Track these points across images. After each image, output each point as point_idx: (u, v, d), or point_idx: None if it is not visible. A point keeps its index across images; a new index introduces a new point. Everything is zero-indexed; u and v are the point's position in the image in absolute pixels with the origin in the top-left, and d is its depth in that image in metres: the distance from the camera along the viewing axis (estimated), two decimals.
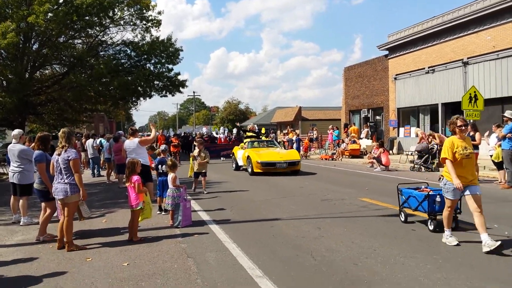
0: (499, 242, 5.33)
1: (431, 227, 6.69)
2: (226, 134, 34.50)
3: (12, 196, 8.28)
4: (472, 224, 6.89)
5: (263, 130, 30.85)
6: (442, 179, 6.18)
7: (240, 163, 17.37)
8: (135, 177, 6.65)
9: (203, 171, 11.51)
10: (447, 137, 18.82)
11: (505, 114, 12.42)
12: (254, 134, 20.66)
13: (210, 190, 11.87)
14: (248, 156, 16.07)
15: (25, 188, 8.05)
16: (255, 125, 24.69)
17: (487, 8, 18.43)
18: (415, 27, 23.56)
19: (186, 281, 4.72)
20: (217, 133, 37.59)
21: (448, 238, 5.97)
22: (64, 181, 6.05)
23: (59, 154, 6.13)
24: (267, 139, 23.16)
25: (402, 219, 7.36)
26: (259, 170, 15.32)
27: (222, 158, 24.57)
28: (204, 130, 43.57)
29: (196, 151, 11.76)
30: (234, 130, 39.05)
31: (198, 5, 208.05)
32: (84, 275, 5.03)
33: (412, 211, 7.17)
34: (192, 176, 11.90)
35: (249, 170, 15.85)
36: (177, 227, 7.34)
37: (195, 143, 13.83)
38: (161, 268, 5.19)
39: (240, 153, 17.66)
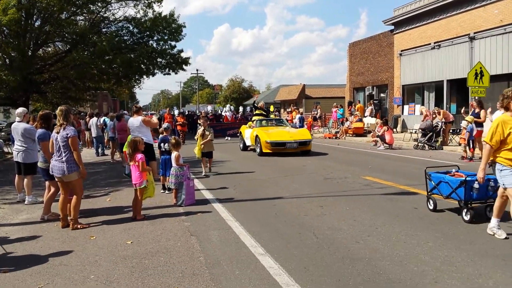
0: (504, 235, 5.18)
1: (466, 218, 5.89)
2: (232, 112, 32.72)
3: (16, 175, 8.34)
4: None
5: (271, 108, 29.86)
6: (495, 165, 5.23)
7: (248, 143, 16.69)
8: (139, 156, 6.66)
9: (209, 151, 11.02)
10: (452, 114, 18.71)
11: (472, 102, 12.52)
12: (263, 112, 19.02)
13: (214, 169, 11.89)
14: (257, 136, 15.34)
15: (29, 167, 8.10)
16: (264, 103, 22.56)
17: None
18: (421, 1, 23.12)
19: (189, 259, 4.77)
20: (222, 111, 35.50)
21: (497, 230, 5.26)
22: (62, 159, 6.07)
23: (58, 132, 6.14)
24: (276, 117, 22.39)
25: (431, 207, 6.58)
26: (268, 151, 14.64)
27: (227, 138, 23.93)
28: (209, 108, 41.58)
29: (200, 130, 11.23)
30: (241, 108, 37.20)
31: None
32: (88, 253, 5.09)
33: (444, 198, 6.41)
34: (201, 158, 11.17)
35: (258, 150, 15.19)
36: (180, 205, 7.38)
37: (199, 121, 12.82)
38: (164, 246, 5.24)
39: (248, 133, 16.82)
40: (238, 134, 18.62)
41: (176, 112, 33.99)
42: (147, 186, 6.71)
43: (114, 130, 14.95)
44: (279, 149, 14.64)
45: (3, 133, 24.07)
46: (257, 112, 18.95)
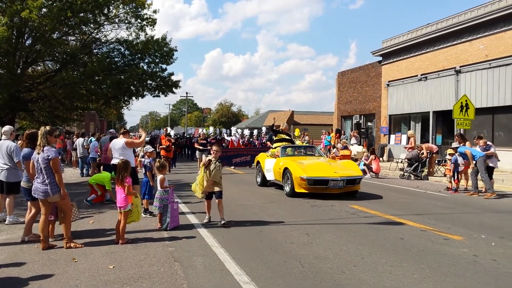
0: None
1: None
2: (238, 136, 26.85)
3: None
4: (464, 229, 6.95)
5: (296, 132, 25.02)
6: None
7: (270, 176, 12.98)
8: (128, 179, 6.59)
9: (217, 189, 7.86)
10: (437, 145, 18.96)
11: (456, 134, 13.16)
12: (287, 137, 14.83)
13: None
14: (286, 169, 11.53)
15: (12, 186, 7.94)
16: (287, 125, 17.70)
17: (481, 16, 18.61)
18: (409, 34, 23.72)
19: (172, 286, 4.67)
20: (227, 134, 29.24)
21: None
22: (44, 181, 5.99)
23: (38, 153, 6.07)
24: (305, 144, 19.06)
25: None
26: (303, 190, 10.89)
27: (232, 167, 19.96)
28: (202, 130, 33.90)
29: (205, 159, 8.14)
30: (246, 132, 30.51)
31: (196, 5, 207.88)
32: (69, 277, 4.95)
33: None
34: (204, 198, 8.08)
35: (287, 188, 11.44)
36: (165, 229, 7.28)
37: (211, 149, 8.32)
38: (147, 271, 5.13)
39: (269, 163, 13.17)
40: (246, 162, 16.38)
41: (161, 132, 29.12)
42: (132, 209, 6.62)
43: (98, 150, 14.83)
44: (319, 189, 10.91)
45: None
46: (280, 137, 14.68)
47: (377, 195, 11.81)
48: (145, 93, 27.19)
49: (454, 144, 12.97)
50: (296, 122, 47.63)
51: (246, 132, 29.63)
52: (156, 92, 27.25)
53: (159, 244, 6.43)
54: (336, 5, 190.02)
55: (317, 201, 10.53)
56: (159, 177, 7.74)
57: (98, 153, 14.90)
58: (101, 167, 13.22)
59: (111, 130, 21.00)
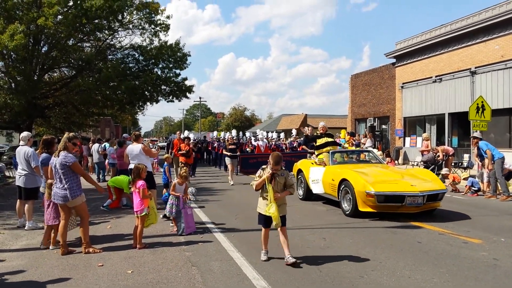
0: None
1: None
2: (266, 140, 21.74)
3: (18, 199, 8.30)
4: (483, 232, 6.86)
5: (342, 134, 20.98)
6: None
7: (318, 189, 10.55)
8: (140, 182, 6.65)
9: (283, 214, 5.76)
10: (453, 147, 18.69)
11: (474, 135, 12.67)
12: (330, 140, 11.70)
13: (214, 198, 11.77)
14: (344, 181, 9.10)
15: (30, 192, 8.07)
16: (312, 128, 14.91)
17: (495, 17, 18.37)
18: (423, 35, 23.50)
19: None
20: (252, 138, 24.72)
21: None
22: (63, 186, 6.09)
23: (55, 157, 6.24)
24: (357, 148, 16.39)
25: None
26: (369, 209, 8.51)
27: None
28: (229, 134, 24.91)
29: (266, 173, 5.71)
30: (273, 134, 25.92)
31: (209, 10, 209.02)
32: (88, 282, 5.01)
33: None
34: (262, 225, 5.92)
35: (345, 205, 9.06)
36: (181, 234, 7.31)
37: (270, 161, 5.74)
38: (165, 276, 5.16)
39: (316, 173, 10.73)
40: (294, 174, 11.89)
41: (175, 136, 23.24)
42: (149, 213, 6.67)
43: (114, 156, 15.01)
44: (392, 208, 8.46)
45: (5, 157, 24.08)
46: (322, 141, 11.51)
47: None
48: (159, 98, 27.49)
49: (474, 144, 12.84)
50: (309, 125, 47.51)
51: (273, 135, 25.34)
52: (170, 97, 27.51)
53: (176, 248, 6.46)
54: (350, 8, 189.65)
55: (333, 205, 10.47)
56: (173, 181, 7.79)
57: (115, 159, 15.07)
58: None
59: (124, 135, 21.06)
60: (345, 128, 33.22)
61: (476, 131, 14.32)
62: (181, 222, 7.43)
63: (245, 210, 9.85)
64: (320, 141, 11.57)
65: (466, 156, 18.60)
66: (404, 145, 25.16)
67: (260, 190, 5.75)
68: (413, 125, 25.14)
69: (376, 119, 28.61)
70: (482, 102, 15.44)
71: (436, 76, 22.50)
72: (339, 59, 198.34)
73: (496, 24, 18.52)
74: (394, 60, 26.57)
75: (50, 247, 6.48)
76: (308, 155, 14.16)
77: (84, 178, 6.29)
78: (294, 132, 23.63)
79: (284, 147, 22.98)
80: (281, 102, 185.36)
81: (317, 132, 12.10)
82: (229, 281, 4.99)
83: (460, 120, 20.91)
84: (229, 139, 17.78)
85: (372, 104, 28.90)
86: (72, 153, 6.35)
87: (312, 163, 11.51)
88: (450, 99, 21.58)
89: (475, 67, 19.81)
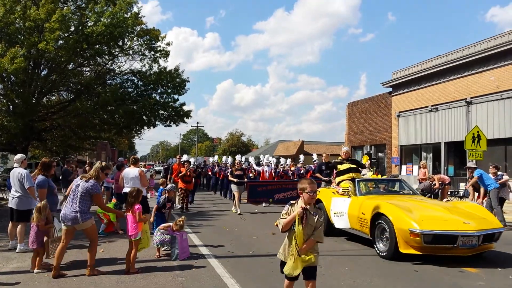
0: None
1: None
2: (272, 166, 20.09)
3: (10, 222, 8.20)
4: (479, 261, 6.79)
5: (365, 159, 17.09)
6: None
7: (342, 223, 9.13)
8: (138, 206, 6.60)
9: (312, 264, 4.30)
10: (450, 176, 18.73)
11: (469, 165, 12.82)
12: (353, 166, 10.16)
13: (209, 223, 11.65)
14: (380, 216, 7.74)
15: (22, 214, 7.98)
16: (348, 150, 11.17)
17: (491, 48, 18.73)
18: (419, 66, 23.88)
19: None
20: (253, 163, 22.35)
21: None
22: (75, 208, 6.08)
23: (82, 180, 6.24)
24: (383, 177, 14.32)
25: None
26: (412, 251, 7.14)
27: (264, 204, 15.34)
28: (236, 159, 21.29)
29: (296, 210, 4.25)
30: (283, 160, 23.34)
31: (209, 38, 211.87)
32: None
33: None
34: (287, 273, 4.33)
35: (381, 246, 7.71)
36: (174, 260, 7.21)
37: (305, 189, 4.27)
38: None
39: (340, 204, 9.30)
40: (284, 200, 11.55)
41: (173, 160, 22.46)
42: (142, 237, 6.60)
43: (109, 180, 14.87)
44: (440, 250, 7.13)
45: None
46: (344, 167, 10.06)
47: None
48: (157, 122, 27.51)
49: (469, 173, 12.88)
50: (306, 152, 47.58)
51: (283, 161, 23.12)
52: (168, 122, 27.56)
53: (169, 274, 6.35)
54: (347, 39, 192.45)
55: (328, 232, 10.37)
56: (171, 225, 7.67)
57: (110, 183, 14.94)
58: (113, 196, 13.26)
59: (120, 158, 20.95)
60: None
61: (471, 161, 14.38)
62: (175, 248, 7.33)
63: (238, 236, 9.74)
64: (341, 167, 10.08)
65: (462, 185, 18.63)
66: (400, 173, 25.18)
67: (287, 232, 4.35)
68: (409, 153, 25.26)
69: (373, 146, 28.74)
70: (478, 131, 15.55)
71: (432, 106, 22.75)
72: (336, 87, 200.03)
73: (491, 56, 18.87)
74: (390, 89, 26.91)
75: (35, 271, 6.35)
76: (322, 183, 13.39)
77: (102, 208, 6.27)
78: (301, 158, 21.63)
79: (290, 173, 21.08)
80: (278, 128, 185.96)
81: (339, 158, 10.61)
82: None
83: (456, 149, 21.04)
84: (236, 164, 15.96)
85: (369, 132, 29.07)
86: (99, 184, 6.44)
87: (334, 193, 9.89)
88: (446, 128, 21.76)
89: (471, 97, 20.07)
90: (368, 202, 8.44)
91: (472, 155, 15.41)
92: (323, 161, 13.64)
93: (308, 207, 4.24)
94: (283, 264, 4.38)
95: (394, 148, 25.92)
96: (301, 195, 4.28)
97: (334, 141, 54.95)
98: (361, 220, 8.39)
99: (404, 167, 25.12)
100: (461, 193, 17.28)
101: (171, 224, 7.70)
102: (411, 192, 9.84)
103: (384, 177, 14.94)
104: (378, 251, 7.75)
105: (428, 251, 7.09)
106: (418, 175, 18.38)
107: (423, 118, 23.60)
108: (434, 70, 22.37)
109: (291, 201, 4.50)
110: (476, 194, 12.43)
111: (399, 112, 25.62)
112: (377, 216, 7.81)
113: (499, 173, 12.28)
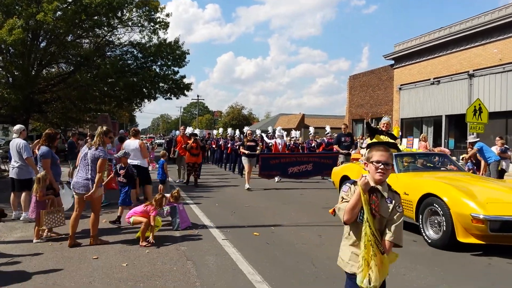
0: None
1: None
2: (285, 138, 18.03)
3: (12, 192, 8.27)
4: None
5: (395, 131, 14.75)
6: None
7: None
8: (154, 212, 6.59)
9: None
10: (450, 149, 18.73)
11: (469, 140, 12.78)
12: (390, 140, 8.78)
13: (210, 195, 11.73)
14: (429, 196, 6.58)
15: (23, 183, 8.07)
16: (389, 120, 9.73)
17: (494, 20, 18.46)
18: (421, 38, 23.58)
19: (185, 284, 4.68)
20: (269, 136, 18.66)
21: None
22: (87, 176, 6.15)
23: (89, 148, 6.28)
24: (419, 151, 12.33)
25: None
26: (473, 240, 5.96)
27: (277, 179, 14.56)
28: (256, 129, 22.88)
29: (362, 179, 2.82)
30: (294, 133, 21.71)
31: (209, 9, 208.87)
32: (83, 274, 4.99)
33: None
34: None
35: (431, 233, 6.51)
36: (176, 229, 7.30)
37: (372, 158, 2.92)
38: (160, 270, 5.15)
39: None
40: (332, 181, 10.92)
41: (177, 132, 20.62)
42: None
43: (111, 152, 14.91)
44: (508, 239, 5.91)
45: (0, 151, 23.98)
46: (386, 139, 8.68)
47: None
48: (157, 95, 27.39)
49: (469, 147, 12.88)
50: (307, 126, 47.57)
51: (295, 133, 21.61)
52: (168, 95, 27.41)
53: (171, 243, 6.45)
54: (349, 10, 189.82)
55: (328, 202, 10.47)
56: (167, 196, 7.56)
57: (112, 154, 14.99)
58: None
59: (121, 131, 20.92)
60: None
61: (472, 134, 14.38)
62: (176, 218, 7.41)
63: (240, 208, 9.84)
64: (378, 139, 8.52)
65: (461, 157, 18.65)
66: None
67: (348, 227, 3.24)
68: (410, 126, 25.23)
69: (374, 120, 28.69)
70: (479, 104, 15.49)
71: (434, 78, 22.58)
72: (338, 60, 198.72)
73: (494, 28, 18.61)
74: (392, 62, 26.66)
75: (34, 241, 6.43)
76: (341, 156, 12.85)
77: (97, 175, 6.18)
78: (312, 130, 20.32)
79: (300, 147, 20.19)
80: (279, 101, 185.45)
81: (379, 127, 9.32)
82: (224, 275, 4.98)
83: (457, 122, 21.00)
84: (247, 135, 14.51)
85: (370, 105, 28.97)
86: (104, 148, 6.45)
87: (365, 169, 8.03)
88: (447, 101, 21.66)
89: (473, 70, 19.90)
90: (413, 180, 7.29)
91: (473, 128, 15.40)
92: (342, 132, 13.03)
93: (379, 187, 2.88)
94: (349, 280, 3.08)
95: (395, 121, 25.87)
96: (366, 168, 2.99)
97: (335, 114, 54.84)
98: (404, 202, 6.53)
99: (404, 140, 25.13)
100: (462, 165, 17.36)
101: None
102: (457, 168, 8.46)
103: (426, 151, 13.41)
104: (426, 238, 6.53)
105: (493, 240, 5.91)
106: (418, 148, 18.41)
107: (424, 91, 23.46)
108: (437, 43, 22.11)
109: (347, 182, 3.10)
110: (467, 167, 12.40)
111: (401, 85, 25.46)
112: (426, 197, 6.64)
113: (505, 146, 12.30)
